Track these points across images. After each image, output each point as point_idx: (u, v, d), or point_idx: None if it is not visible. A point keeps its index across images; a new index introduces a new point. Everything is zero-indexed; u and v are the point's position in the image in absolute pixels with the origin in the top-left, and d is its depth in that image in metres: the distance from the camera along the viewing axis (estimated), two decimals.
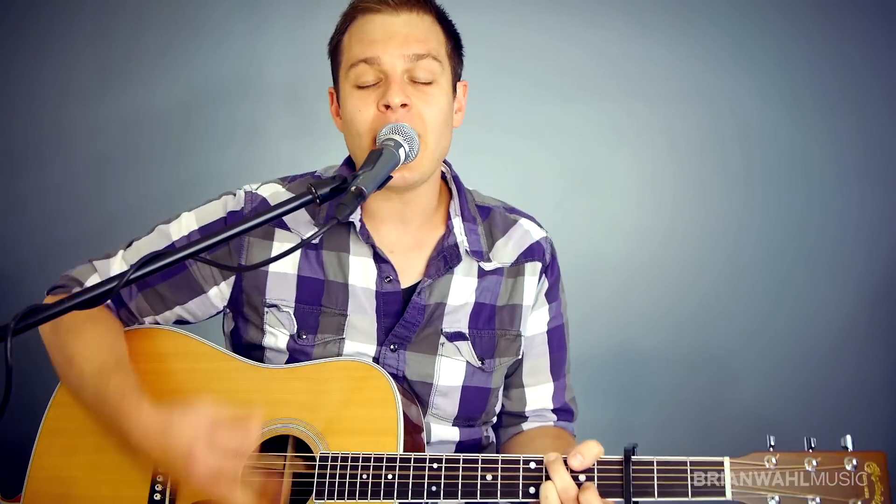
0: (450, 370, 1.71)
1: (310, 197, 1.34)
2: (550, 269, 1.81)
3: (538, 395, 1.81)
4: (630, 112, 2.74)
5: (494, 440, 1.87)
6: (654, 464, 1.37)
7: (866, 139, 2.69)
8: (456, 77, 1.70)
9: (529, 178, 2.74)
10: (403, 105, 1.56)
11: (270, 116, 2.79)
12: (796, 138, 2.70)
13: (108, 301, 1.67)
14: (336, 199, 1.39)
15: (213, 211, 1.73)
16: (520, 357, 1.79)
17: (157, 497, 1.57)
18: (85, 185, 2.79)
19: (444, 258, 1.70)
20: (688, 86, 2.73)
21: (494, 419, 1.84)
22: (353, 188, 1.35)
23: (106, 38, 2.81)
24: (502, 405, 1.83)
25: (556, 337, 1.83)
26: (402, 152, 1.50)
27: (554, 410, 1.83)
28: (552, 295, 1.82)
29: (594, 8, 2.75)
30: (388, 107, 1.56)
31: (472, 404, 1.74)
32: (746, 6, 2.72)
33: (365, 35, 1.61)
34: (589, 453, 1.39)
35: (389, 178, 1.47)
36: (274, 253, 1.67)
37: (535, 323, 1.80)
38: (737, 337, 2.69)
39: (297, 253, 1.69)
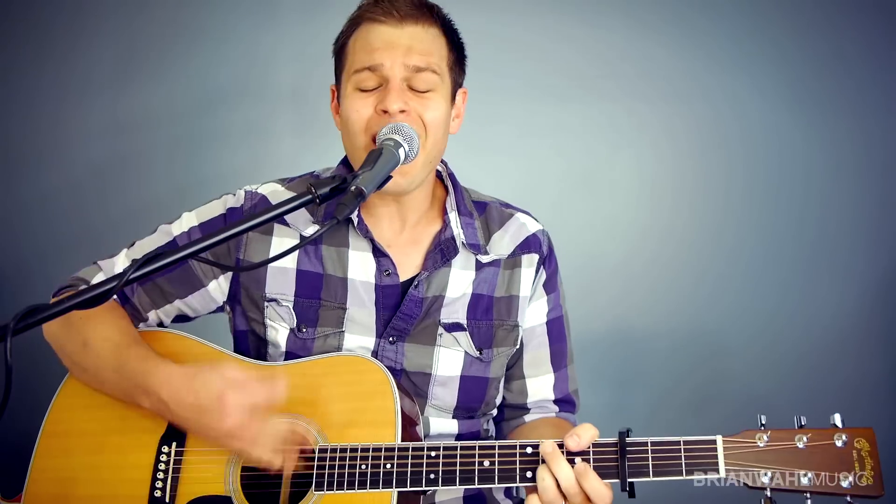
0: (448, 360, 1.73)
1: (310, 197, 1.34)
2: (548, 261, 1.83)
3: (539, 385, 1.83)
4: (630, 112, 2.75)
5: (494, 433, 1.88)
6: (649, 444, 1.40)
7: (866, 139, 2.69)
8: (456, 86, 1.73)
9: (529, 178, 2.74)
10: (402, 111, 1.60)
11: (274, 118, 2.80)
12: (796, 137, 2.71)
13: (115, 297, 1.70)
14: (336, 198, 1.39)
15: (213, 209, 1.76)
16: (518, 347, 1.81)
17: (158, 494, 1.58)
18: (86, 187, 2.79)
19: (442, 251, 1.73)
20: (687, 86, 2.73)
21: (494, 412, 1.85)
22: (352, 188, 1.36)
23: (107, 40, 2.81)
24: (504, 398, 1.84)
25: (556, 328, 1.85)
26: (401, 152, 1.51)
27: (555, 401, 1.84)
28: (550, 286, 1.83)
29: (593, 9, 2.76)
30: (386, 111, 1.59)
31: (470, 394, 1.75)
32: (746, 6, 2.72)
33: (369, 44, 1.64)
34: (585, 435, 1.42)
35: (389, 177, 1.49)
36: (273, 248, 1.71)
37: (533, 314, 1.81)
38: (738, 337, 2.70)
39: None
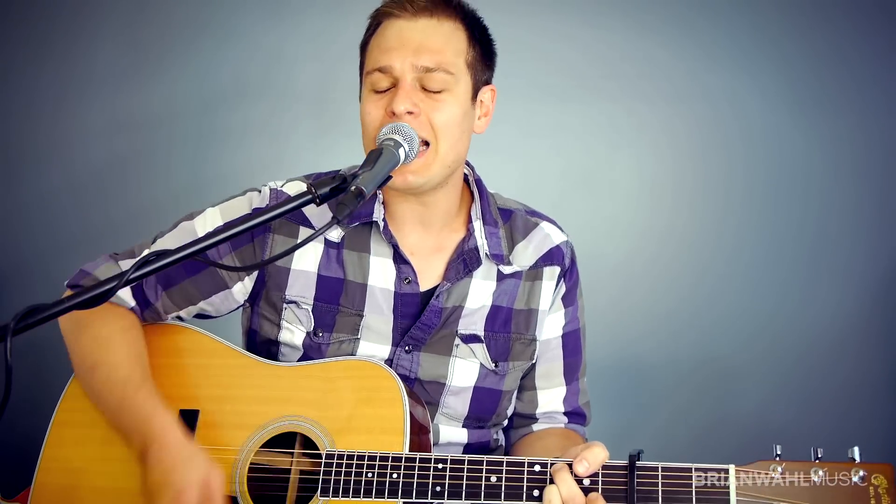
0: (463, 371, 1.71)
1: (309, 197, 1.34)
2: (569, 274, 1.80)
3: (550, 397, 1.81)
4: (630, 112, 2.75)
5: (504, 443, 1.87)
6: (659, 470, 1.37)
7: (866, 139, 2.69)
8: (479, 83, 1.69)
9: (529, 178, 2.74)
10: (410, 112, 1.57)
11: (277, 117, 2.79)
12: (796, 138, 2.71)
13: (134, 304, 1.70)
14: (337, 198, 1.39)
15: (239, 207, 1.72)
16: (534, 361, 1.79)
17: None
18: (86, 187, 2.79)
19: (464, 261, 1.71)
20: (687, 86, 2.73)
21: (505, 422, 1.84)
22: (352, 188, 1.35)
23: (107, 40, 2.81)
24: (514, 407, 1.83)
25: (572, 341, 1.83)
26: (401, 152, 1.50)
27: (565, 413, 1.83)
28: (569, 299, 1.81)
29: (593, 9, 2.76)
30: (394, 114, 1.57)
31: (482, 405, 1.74)
32: (746, 6, 2.72)
33: (383, 42, 1.62)
34: (594, 460, 1.39)
35: (389, 177, 1.47)
36: (298, 251, 1.68)
37: (550, 326, 1.79)
38: (738, 338, 2.69)
39: (319, 251, 1.70)
